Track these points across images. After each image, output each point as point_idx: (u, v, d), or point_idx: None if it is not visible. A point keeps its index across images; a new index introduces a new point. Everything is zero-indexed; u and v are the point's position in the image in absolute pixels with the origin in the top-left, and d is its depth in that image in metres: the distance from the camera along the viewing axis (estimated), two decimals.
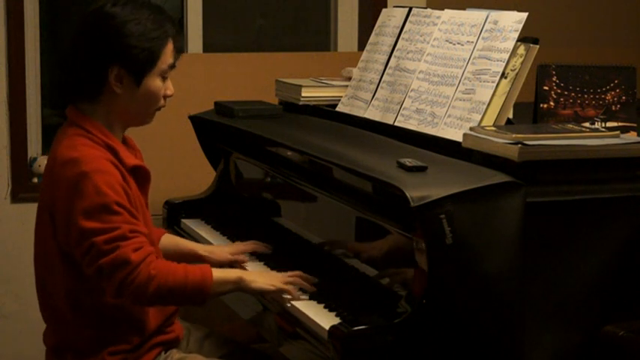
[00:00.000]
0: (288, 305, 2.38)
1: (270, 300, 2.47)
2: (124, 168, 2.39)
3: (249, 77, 3.79)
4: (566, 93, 2.51)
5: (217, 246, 2.85)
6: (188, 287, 2.32)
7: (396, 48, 2.87)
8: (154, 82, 2.42)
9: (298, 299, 2.38)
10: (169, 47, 2.42)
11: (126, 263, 2.27)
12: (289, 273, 2.46)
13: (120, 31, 2.36)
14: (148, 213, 2.49)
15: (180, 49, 2.47)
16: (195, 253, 2.77)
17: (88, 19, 2.42)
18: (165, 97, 2.46)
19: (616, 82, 2.53)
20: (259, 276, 2.45)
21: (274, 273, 2.50)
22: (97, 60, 2.38)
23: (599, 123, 2.51)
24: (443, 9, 2.78)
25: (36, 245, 2.48)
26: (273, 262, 2.69)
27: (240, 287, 2.41)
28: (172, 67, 2.45)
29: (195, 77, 3.72)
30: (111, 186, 2.30)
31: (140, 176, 2.45)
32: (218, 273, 2.38)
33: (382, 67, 2.89)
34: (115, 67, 2.37)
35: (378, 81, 2.88)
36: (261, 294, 2.46)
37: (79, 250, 2.30)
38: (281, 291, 2.40)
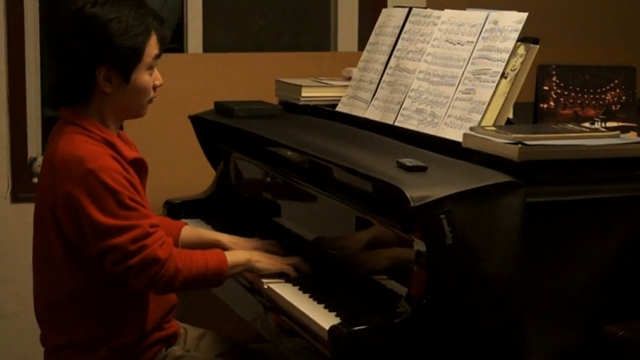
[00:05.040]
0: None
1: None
2: (125, 161, 2.41)
3: (249, 77, 3.78)
4: (566, 93, 2.51)
5: (241, 239, 2.84)
6: (209, 274, 2.45)
7: (396, 48, 2.87)
8: (142, 77, 2.44)
9: (293, 274, 2.53)
10: (153, 40, 2.44)
11: (155, 262, 2.35)
12: (288, 258, 2.60)
13: (103, 32, 2.38)
14: (147, 201, 2.51)
15: (164, 39, 2.48)
16: (220, 244, 2.79)
17: (69, 22, 2.43)
18: (154, 87, 2.49)
19: (616, 82, 2.53)
20: (262, 257, 2.59)
21: (275, 256, 2.62)
22: (83, 63, 2.39)
23: (599, 123, 2.51)
24: (443, 9, 2.78)
25: (35, 242, 2.49)
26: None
27: (249, 268, 2.54)
28: (158, 56, 2.47)
29: (195, 77, 3.72)
30: (119, 182, 2.34)
31: (139, 168, 2.48)
32: (230, 257, 2.51)
33: (382, 67, 2.89)
34: (102, 68, 2.39)
35: (378, 81, 2.88)
36: (265, 272, 2.55)
37: (97, 247, 2.33)
38: (282, 270, 2.54)
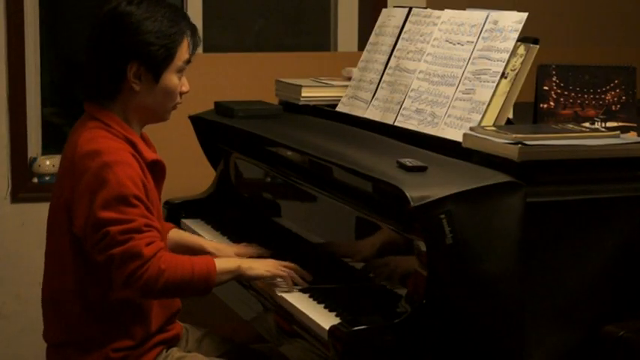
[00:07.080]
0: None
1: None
2: (144, 162, 2.42)
3: (249, 77, 3.78)
4: (566, 93, 2.51)
5: (224, 245, 2.86)
6: (195, 280, 2.37)
7: (396, 48, 2.87)
8: (171, 79, 2.45)
9: (291, 287, 2.46)
10: (185, 43, 2.46)
11: (137, 256, 2.30)
12: (285, 263, 2.53)
13: (138, 29, 2.40)
14: (160, 206, 2.52)
15: (196, 45, 2.51)
16: (202, 249, 2.79)
17: (104, 19, 2.45)
18: (181, 93, 2.50)
19: (616, 82, 2.53)
20: (255, 262, 2.52)
21: (270, 260, 2.57)
22: (115, 58, 2.41)
23: (599, 123, 2.51)
24: (443, 9, 2.78)
25: (48, 240, 2.50)
26: None
27: (239, 275, 2.48)
28: (188, 62, 2.49)
29: (195, 77, 3.70)
30: (131, 178, 2.34)
31: (157, 170, 2.49)
32: (220, 263, 2.44)
33: (382, 67, 2.89)
34: (133, 64, 2.40)
35: (378, 81, 2.88)
36: (257, 279, 2.52)
37: (92, 238, 2.32)
38: (275, 276, 2.48)
